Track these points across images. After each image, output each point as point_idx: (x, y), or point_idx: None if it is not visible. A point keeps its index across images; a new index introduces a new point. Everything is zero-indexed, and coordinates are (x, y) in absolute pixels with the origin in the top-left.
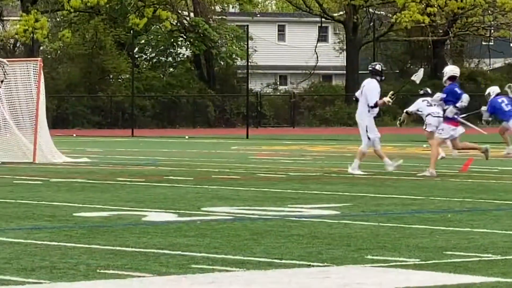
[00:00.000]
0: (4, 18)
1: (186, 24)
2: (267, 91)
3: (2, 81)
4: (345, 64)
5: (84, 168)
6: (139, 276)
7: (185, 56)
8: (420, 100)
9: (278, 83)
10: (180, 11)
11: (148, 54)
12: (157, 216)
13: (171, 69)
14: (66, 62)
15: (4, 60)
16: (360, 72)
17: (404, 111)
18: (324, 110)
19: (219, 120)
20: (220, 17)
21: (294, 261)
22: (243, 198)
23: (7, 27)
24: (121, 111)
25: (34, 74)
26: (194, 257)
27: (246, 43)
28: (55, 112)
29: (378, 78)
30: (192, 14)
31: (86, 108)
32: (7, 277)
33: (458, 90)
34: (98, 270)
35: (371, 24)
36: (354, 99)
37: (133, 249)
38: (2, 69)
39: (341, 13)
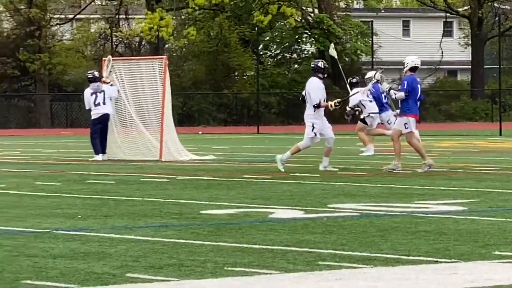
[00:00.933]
0: (130, 16)
1: (311, 21)
2: (393, 87)
3: (110, 82)
4: (470, 59)
5: (210, 165)
6: (266, 273)
7: (310, 52)
8: (358, 93)
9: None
10: (304, 8)
11: (272, 51)
12: (283, 213)
13: (295, 66)
14: (191, 60)
15: (109, 56)
16: (485, 67)
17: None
18: (449, 106)
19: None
20: (344, 13)
21: (421, 258)
22: (369, 195)
23: (132, 25)
24: (247, 108)
25: (159, 72)
26: (321, 254)
27: (370, 39)
28: (181, 109)
29: (320, 75)
30: (316, 11)
31: (211, 105)
32: (135, 275)
33: (409, 84)
34: (225, 268)
35: (496, 18)
36: (300, 99)
37: (260, 246)
38: (108, 67)
39: (465, 8)
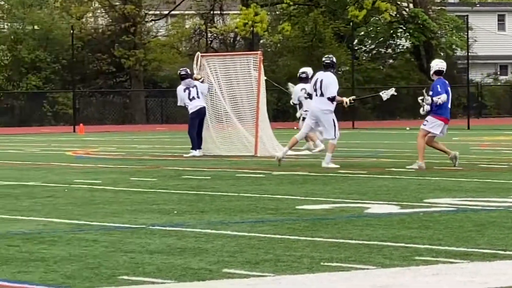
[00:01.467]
0: (224, 12)
1: (406, 15)
2: (488, 81)
3: (201, 79)
4: None
5: (305, 160)
6: (363, 269)
7: (405, 47)
8: (299, 88)
9: (498, 73)
10: (399, 2)
11: (367, 46)
12: (379, 208)
13: (390, 61)
14: (286, 55)
15: (198, 53)
16: None
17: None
18: None
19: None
20: (439, 7)
21: None
22: (465, 189)
23: (227, 21)
24: (341, 103)
25: (254, 67)
26: (417, 249)
27: (466, 33)
28: (276, 105)
29: (333, 70)
30: (411, 5)
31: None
32: (232, 270)
33: (442, 86)
34: (321, 263)
35: None
36: (307, 95)
37: (356, 242)
38: (197, 64)
39: None
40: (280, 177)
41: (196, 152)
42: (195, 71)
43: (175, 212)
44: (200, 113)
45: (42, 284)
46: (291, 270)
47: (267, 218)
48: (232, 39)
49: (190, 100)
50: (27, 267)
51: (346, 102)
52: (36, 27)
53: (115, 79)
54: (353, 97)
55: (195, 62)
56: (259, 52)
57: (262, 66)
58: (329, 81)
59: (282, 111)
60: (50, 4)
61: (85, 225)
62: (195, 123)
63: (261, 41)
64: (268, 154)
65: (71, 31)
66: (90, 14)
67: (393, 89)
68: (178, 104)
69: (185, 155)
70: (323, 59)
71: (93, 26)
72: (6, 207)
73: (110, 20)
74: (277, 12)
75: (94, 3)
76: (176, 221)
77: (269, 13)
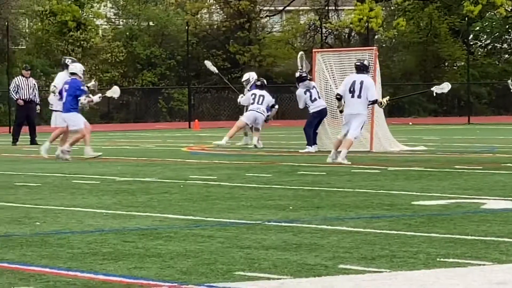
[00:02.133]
0: (339, 7)
1: None
2: None
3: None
4: None
5: (421, 156)
6: (479, 265)
7: None
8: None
9: None
10: None
11: (483, 41)
12: (496, 203)
13: (506, 56)
14: (401, 51)
15: (301, 52)
16: None
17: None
18: None
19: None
20: None
21: None
22: None
23: (341, 16)
24: (457, 98)
25: (369, 63)
26: None
27: None
28: (391, 101)
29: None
30: None
31: (421, 96)
32: (348, 266)
33: None
34: (437, 259)
35: None
36: (338, 97)
37: (473, 237)
38: (303, 63)
39: None
40: (395, 173)
41: (312, 148)
42: (298, 72)
43: (291, 207)
44: (322, 114)
45: (158, 279)
46: (407, 266)
47: (383, 214)
48: (347, 34)
49: (312, 101)
50: (143, 263)
51: (383, 103)
52: (151, 23)
53: (230, 75)
54: (388, 97)
55: (299, 62)
56: (374, 47)
57: (377, 61)
58: (371, 83)
59: (397, 107)
60: (165, 0)
61: (201, 221)
62: (315, 122)
63: (376, 37)
64: (383, 149)
65: (186, 27)
66: (205, 10)
67: (448, 84)
68: (300, 107)
69: (300, 151)
70: (356, 62)
71: (208, 22)
72: (122, 203)
73: (225, 16)
74: (392, 8)
75: None
76: (291, 216)
77: (383, 8)
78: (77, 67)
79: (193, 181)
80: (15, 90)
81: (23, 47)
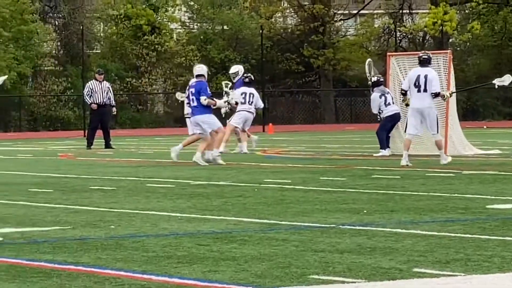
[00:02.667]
0: (413, 11)
1: None
2: None
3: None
4: None
5: (495, 159)
6: None
7: None
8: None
9: None
10: None
11: None
12: None
13: None
14: (475, 54)
15: (369, 59)
16: None
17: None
18: None
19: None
20: None
21: None
22: None
23: (416, 20)
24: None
25: (444, 66)
26: None
27: None
28: (465, 104)
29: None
30: None
31: (496, 99)
32: (422, 270)
33: None
34: None
35: None
36: (402, 92)
37: None
38: (370, 69)
39: None
40: (470, 176)
41: (386, 152)
42: (372, 78)
43: (365, 211)
44: (395, 118)
45: (233, 283)
46: (482, 269)
47: (457, 218)
48: (421, 38)
49: (386, 106)
50: (217, 266)
51: (446, 96)
52: (225, 27)
53: (304, 79)
54: (451, 90)
55: (367, 69)
56: (448, 51)
57: (452, 65)
58: (434, 76)
59: (472, 110)
60: (240, 4)
61: (275, 224)
62: (388, 126)
63: (450, 40)
64: (457, 153)
65: (260, 31)
66: (279, 14)
67: (509, 76)
68: (374, 112)
69: (374, 155)
70: (421, 54)
71: (282, 25)
72: (197, 206)
73: (299, 20)
74: (466, 11)
75: (283, 3)
76: (365, 220)
77: (458, 12)
78: (204, 69)
79: (267, 185)
80: (88, 94)
81: (97, 51)
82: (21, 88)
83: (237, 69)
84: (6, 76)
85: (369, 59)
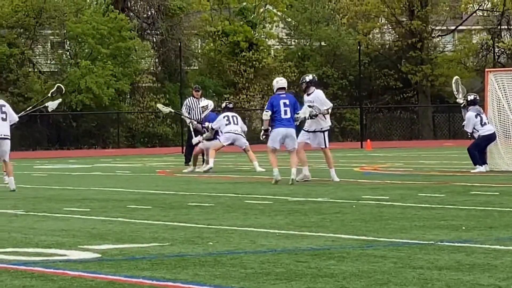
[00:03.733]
0: None
1: None
2: None
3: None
4: None
5: None
6: None
7: None
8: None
9: None
10: None
11: None
12: None
13: None
14: None
15: (457, 77)
16: None
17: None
18: None
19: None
20: None
21: None
22: None
23: None
24: None
25: None
26: None
27: None
28: None
29: None
30: None
31: None
32: None
33: None
34: None
35: None
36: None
37: None
38: (458, 87)
39: None
40: None
41: (483, 168)
42: (458, 96)
43: (464, 228)
44: (491, 138)
45: None
46: None
47: None
48: None
49: (482, 125)
50: (315, 283)
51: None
52: (323, 43)
53: (402, 95)
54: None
55: (454, 87)
56: None
57: None
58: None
59: None
60: (337, 20)
61: (373, 241)
62: (482, 145)
63: None
64: None
65: (358, 47)
66: (377, 30)
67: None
68: (468, 130)
69: (471, 171)
70: None
71: (379, 42)
72: (295, 223)
73: (397, 36)
74: None
75: (381, 19)
76: (464, 237)
77: None
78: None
79: (365, 201)
80: (186, 111)
81: (195, 68)
82: (119, 105)
83: (207, 103)
84: (60, 100)
85: (456, 77)
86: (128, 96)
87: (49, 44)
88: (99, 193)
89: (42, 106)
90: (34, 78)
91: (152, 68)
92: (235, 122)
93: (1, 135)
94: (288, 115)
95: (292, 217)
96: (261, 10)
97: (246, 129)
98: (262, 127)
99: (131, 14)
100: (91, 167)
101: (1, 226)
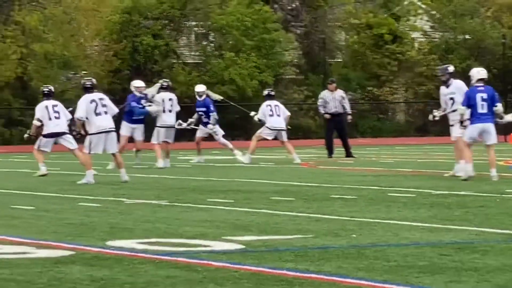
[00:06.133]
0: None
1: None
2: None
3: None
4: None
5: None
6: None
7: None
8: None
9: None
10: None
11: None
12: None
13: None
14: None
15: None
16: None
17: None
18: None
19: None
20: None
21: None
22: None
23: None
24: None
25: None
26: None
27: None
28: None
29: None
30: None
31: None
32: None
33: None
34: None
35: None
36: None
37: None
38: None
39: None
40: None
41: None
42: None
43: None
44: None
45: None
46: None
47: None
48: None
49: None
50: (459, 276)
51: None
52: (467, 36)
53: None
54: None
55: None
56: None
57: None
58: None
59: None
60: (482, 13)
61: None
62: None
63: None
64: None
65: (503, 41)
66: None
67: None
68: None
69: None
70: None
71: None
72: (438, 216)
73: None
74: None
75: None
76: None
77: None
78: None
79: (510, 195)
80: (322, 104)
81: (339, 60)
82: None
83: (202, 88)
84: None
85: None
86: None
87: (193, 36)
88: (243, 184)
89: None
90: (178, 70)
91: (295, 60)
92: (278, 113)
93: (106, 128)
94: (485, 110)
95: (435, 210)
96: (405, 2)
97: (288, 115)
98: (460, 119)
99: (276, 6)
100: (234, 159)
101: (146, 217)
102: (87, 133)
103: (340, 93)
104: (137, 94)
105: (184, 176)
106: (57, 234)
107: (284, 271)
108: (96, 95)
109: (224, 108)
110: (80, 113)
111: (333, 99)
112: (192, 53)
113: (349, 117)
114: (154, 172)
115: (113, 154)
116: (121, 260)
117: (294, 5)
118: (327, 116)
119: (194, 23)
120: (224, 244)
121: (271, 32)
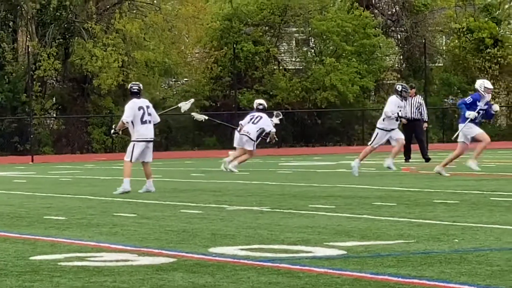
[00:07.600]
0: None
1: None
2: None
3: None
4: None
5: None
6: None
7: None
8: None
9: None
10: None
11: None
12: None
13: None
14: None
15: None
16: None
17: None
18: None
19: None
20: None
21: None
22: None
23: None
24: None
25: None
26: None
27: None
28: None
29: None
30: None
31: None
32: None
33: None
34: None
35: None
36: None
37: None
38: None
39: None
40: None
41: None
42: None
43: None
44: None
45: None
46: None
47: None
48: None
49: None
50: None
51: None
52: None
53: None
54: None
55: None
56: None
57: None
58: None
59: None
60: None
61: None
62: None
63: None
64: None
65: None
66: None
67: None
68: None
69: None
70: None
71: None
72: None
73: None
74: None
75: None
76: None
77: None
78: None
79: None
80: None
81: (440, 65)
82: (363, 102)
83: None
84: (193, 100)
85: None
86: (373, 93)
87: (293, 42)
88: (344, 190)
89: (175, 107)
90: (279, 76)
91: (396, 65)
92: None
93: (148, 138)
94: None
95: None
96: (506, 6)
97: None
98: None
99: (376, 11)
100: (336, 164)
101: (248, 223)
102: (118, 134)
103: (418, 99)
104: None
105: (285, 182)
106: (159, 241)
107: (386, 277)
108: (144, 102)
109: (325, 114)
110: (128, 117)
111: (410, 105)
112: (293, 59)
113: (425, 124)
114: (255, 179)
115: (144, 163)
116: (223, 267)
117: (394, 10)
118: (404, 121)
119: (294, 29)
120: (325, 250)
121: (372, 37)
